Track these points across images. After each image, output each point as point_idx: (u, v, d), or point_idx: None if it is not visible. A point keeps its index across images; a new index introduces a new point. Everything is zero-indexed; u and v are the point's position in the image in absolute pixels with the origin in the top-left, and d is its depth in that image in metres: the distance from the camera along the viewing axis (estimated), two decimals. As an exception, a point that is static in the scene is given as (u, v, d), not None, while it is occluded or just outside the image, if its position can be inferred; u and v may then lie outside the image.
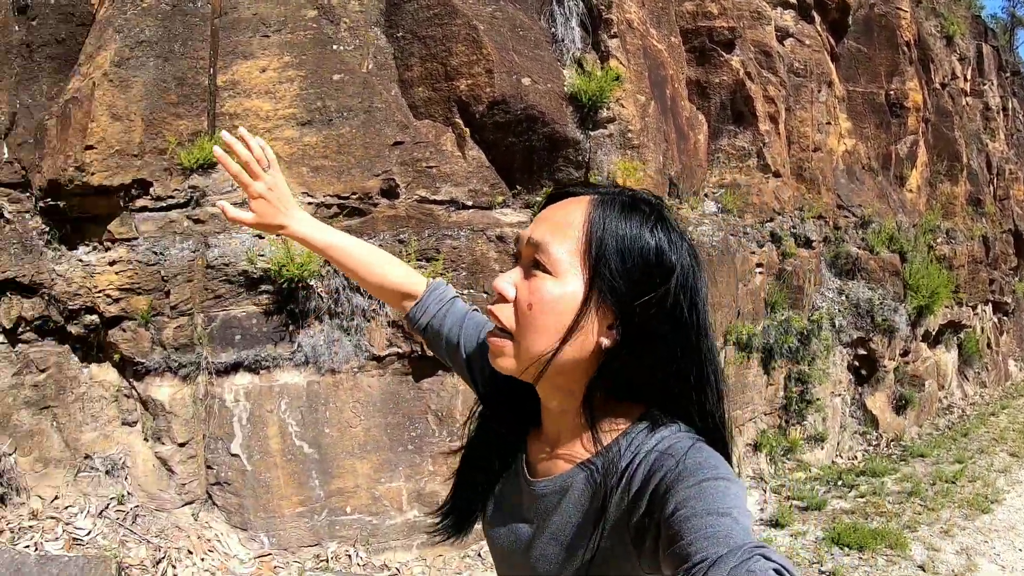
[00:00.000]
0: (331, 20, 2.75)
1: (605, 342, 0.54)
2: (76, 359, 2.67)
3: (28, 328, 2.69)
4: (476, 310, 0.77)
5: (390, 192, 2.69)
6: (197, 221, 2.49)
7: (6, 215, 2.66)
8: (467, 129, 2.80)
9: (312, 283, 2.47)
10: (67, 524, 2.67)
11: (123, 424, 2.67)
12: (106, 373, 2.67)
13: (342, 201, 2.64)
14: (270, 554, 2.44)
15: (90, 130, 2.37)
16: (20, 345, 2.73)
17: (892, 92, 4.51)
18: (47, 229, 2.61)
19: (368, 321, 2.55)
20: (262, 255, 2.45)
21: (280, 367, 2.49)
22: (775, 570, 0.42)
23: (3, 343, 2.75)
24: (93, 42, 2.57)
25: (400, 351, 2.58)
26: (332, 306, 2.51)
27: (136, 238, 2.45)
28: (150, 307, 2.43)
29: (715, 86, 3.58)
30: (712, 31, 3.60)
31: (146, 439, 2.64)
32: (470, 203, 2.78)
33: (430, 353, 2.46)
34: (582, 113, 2.92)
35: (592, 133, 2.92)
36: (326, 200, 2.61)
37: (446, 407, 2.62)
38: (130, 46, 2.51)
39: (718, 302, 3.20)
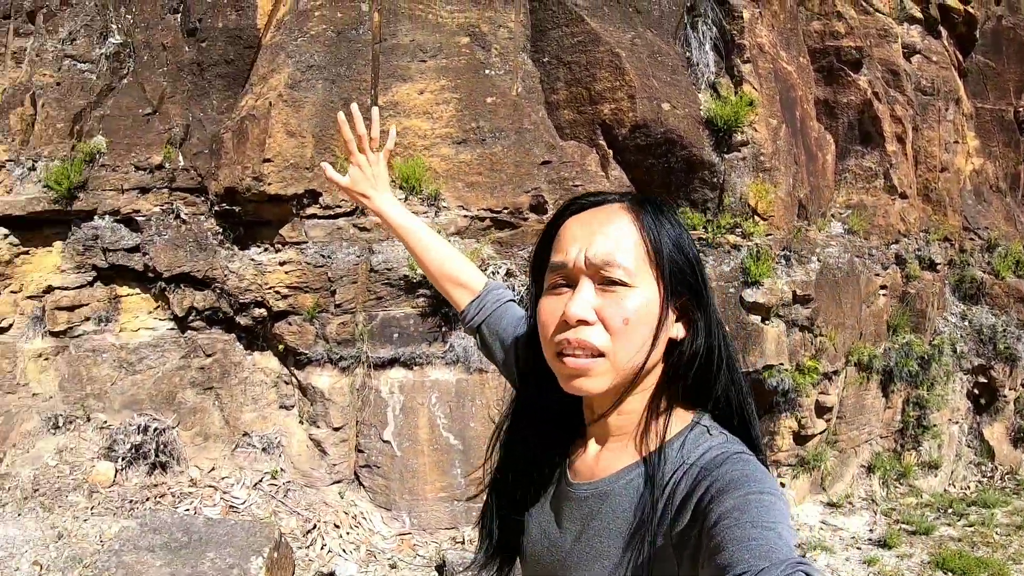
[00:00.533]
0: (483, 47, 3.00)
1: (678, 334, 0.57)
2: (241, 347, 3.04)
3: (198, 317, 3.08)
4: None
5: (539, 208, 2.91)
6: (362, 229, 2.79)
7: (183, 216, 3.06)
8: (610, 151, 2.98)
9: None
10: (224, 493, 3.04)
11: (281, 407, 3.01)
12: (268, 361, 3.02)
13: (494, 215, 2.88)
14: (410, 533, 2.71)
15: (268, 145, 2.71)
16: (189, 332, 3.13)
17: (1022, 109, 4.37)
18: (221, 230, 2.99)
19: (513, 329, 2.78)
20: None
21: (432, 364, 2.76)
22: None
23: (173, 329, 3.17)
24: (265, 65, 2.92)
25: (541, 358, 2.79)
26: (481, 313, 2.76)
27: (306, 242, 2.78)
28: (316, 304, 2.74)
29: (843, 106, 3.62)
30: (839, 50, 3.64)
31: (301, 422, 2.97)
32: (608, 220, 2.96)
33: None
34: (717, 136, 3.04)
35: (726, 156, 3.04)
36: (479, 213, 2.86)
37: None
38: (301, 70, 2.84)
39: (842, 322, 3.24)
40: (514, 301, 0.80)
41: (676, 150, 2.98)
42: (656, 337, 0.55)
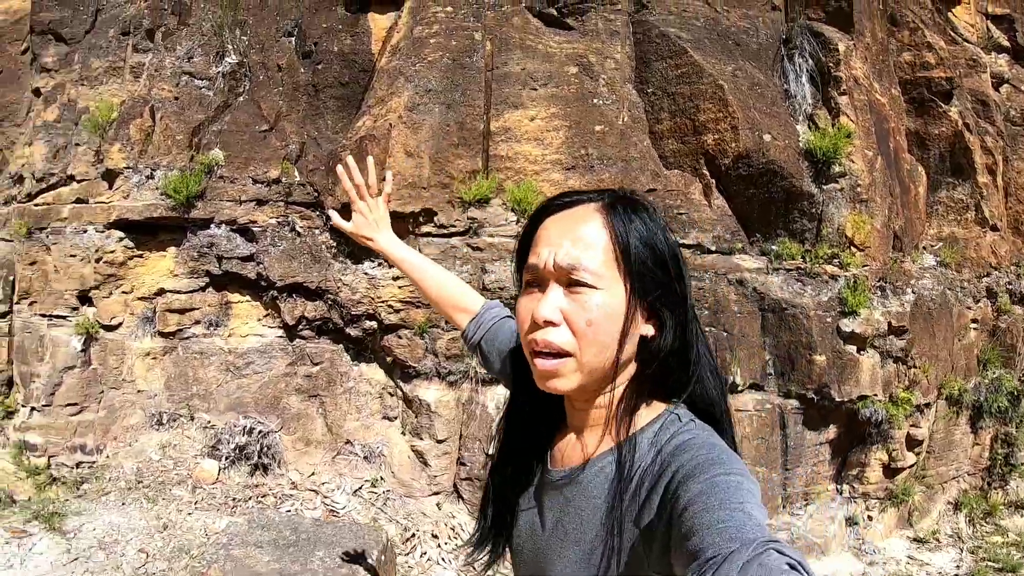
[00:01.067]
0: (591, 76, 3.18)
1: (648, 332, 0.60)
2: (348, 357, 3.23)
3: (307, 326, 3.28)
4: None
5: (640, 234, 3.05)
6: (475, 248, 2.97)
7: (297, 229, 3.28)
8: (712, 180, 3.13)
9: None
10: (325, 497, 3.22)
11: (384, 418, 3.19)
12: (374, 372, 3.21)
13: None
14: (519, 553, 2.85)
15: (387, 164, 2.90)
16: (297, 340, 3.33)
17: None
18: (335, 244, 3.19)
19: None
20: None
21: (537, 386, 2.90)
22: (788, 564, 0.43)
23: (281, 337, 3.37)
24: (383, 88, 3.13)
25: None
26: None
27: None
28: (427, 320, 2.92)
29: (934, 137, 3.72)
30: (930, 81, 3.74)
31: (404, 433, 3.14)
32: (713, 248, 3.10)
33: None
34: (816, 168, 3.17)
35: (824, 187, 3.16)
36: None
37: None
38: (420, 93, 3.05)
39: (935, 355, 3.32)
40: (511, 317, 0.86)
41: (776, 180, 3.11)
42: (624, 336, 0.58)
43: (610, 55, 3.21)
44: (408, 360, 3.00)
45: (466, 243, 2.94)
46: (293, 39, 3.59)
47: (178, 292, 3.43)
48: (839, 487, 3.17)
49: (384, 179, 0.99)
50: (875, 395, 3.01)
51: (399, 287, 2.98)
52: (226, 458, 3.21)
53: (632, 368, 0.61)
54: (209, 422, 3.38)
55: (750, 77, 3.25)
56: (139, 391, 3.54)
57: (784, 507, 3.01)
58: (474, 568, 0.76)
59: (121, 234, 3.48)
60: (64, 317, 3.60)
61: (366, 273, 3.02)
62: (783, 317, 3.02)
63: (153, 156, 3.48)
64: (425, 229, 2.96)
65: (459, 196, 3.01)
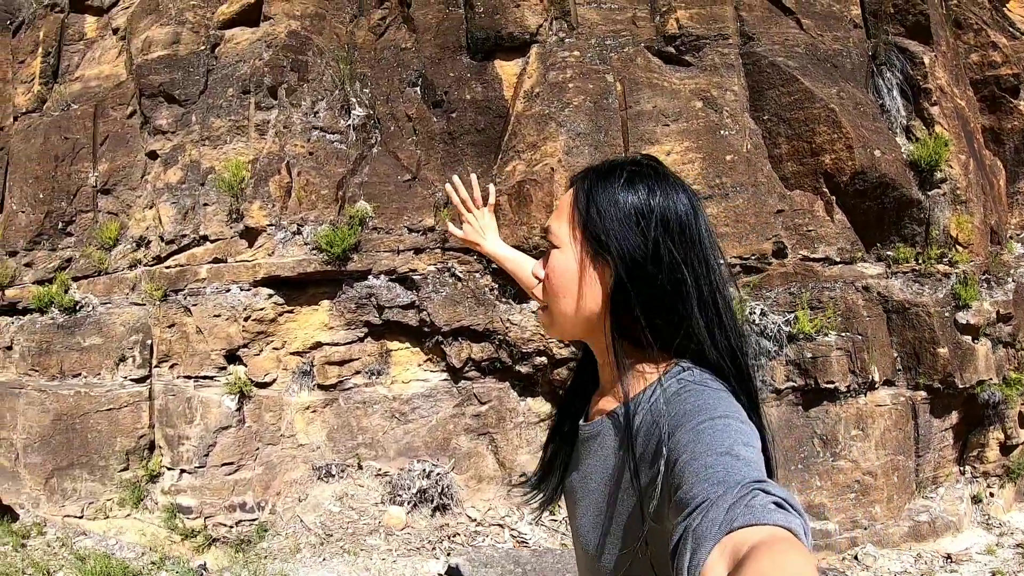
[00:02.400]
0: (715, 109, 3.64)
1: (609, 290, 0.67)
2: (515, 393, 3.67)
3: (473, 367, 3.69)
4: None
5: (779, 253, 3.56)
6: None
7: (458, 274, 3.68)
8: (832, 196, 3.65)
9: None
10: (511, 529, 3.64)
11: None
12: (540, 405, 3.65)
13: (743, 261, 3.53)
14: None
15: (553, 206, 3.32)
16: (463, 381, 3.73)
17: None
18: (497, 286, 3.61)
19: (771, 360, 3.42)
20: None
21: (703, 400, 3.39)
22: (775, 503, 0.46)
23: (446, 379, 3.77)
24: (533, 133, 3.54)
25: (795, 385, 3.45)
26: (743, 350, 3.39)
27: None
28: None
29: (1007, 132, 4.31)
30: (999, 79, 4.32)
31: (577, 458, 3.59)
32: (838, 259, 3.62)
33: (822, 384, 3.27)
34: (920, 176, 3.71)
35: (929, 193, 3.71)
36: (732, 261, 3.51)
37: (830, 432, 3.47)
38: (572, 137, 3.47)
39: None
40: None
41: (889, 192, 3.64)
42: (579, 287, 0.68)
43: (729, 87, 3.68)
44: None
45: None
46: (418, 89, 3.95)
47: (336, 344, 3.77)
48: (961, 468, 3.77)
49: (488, 192, 1.17)
50: (990, 379, 3.59)
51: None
52: (408, 502, 3.55)
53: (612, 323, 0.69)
54: (380, 469, 3.72)
55: (852, 97, 3.76)
56: (300, 445, 3.86)
57: (919, 491, 3.58)
58: (530, 508, 0.89)
59: (269, 291, 3.79)
60: (211, 377, 3.89)
61: (532, 312, 3.45)
62: (906, 316, 3.56)
63: (295, 212, 3.80)
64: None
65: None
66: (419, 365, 3.73)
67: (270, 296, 3.82)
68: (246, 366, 3.93)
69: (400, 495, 3.58)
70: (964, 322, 3.59)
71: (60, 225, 4.63)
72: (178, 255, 4.07)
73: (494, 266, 3.54)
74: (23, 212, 4.71)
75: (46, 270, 4.54)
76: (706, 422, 0.56)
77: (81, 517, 4.38)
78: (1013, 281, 3.83)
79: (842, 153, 3.60)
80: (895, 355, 3.59)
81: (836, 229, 3.65)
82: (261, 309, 3.79)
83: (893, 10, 4.06)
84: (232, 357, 3.90)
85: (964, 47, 4.46)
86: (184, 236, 4.02)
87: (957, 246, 3.71)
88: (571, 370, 0.98)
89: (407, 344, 3.73)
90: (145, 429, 4.11)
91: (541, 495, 0.82)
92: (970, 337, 3.61)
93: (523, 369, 3.57)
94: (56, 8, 5.22)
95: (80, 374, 4.26)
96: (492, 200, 1.18)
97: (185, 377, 3.97)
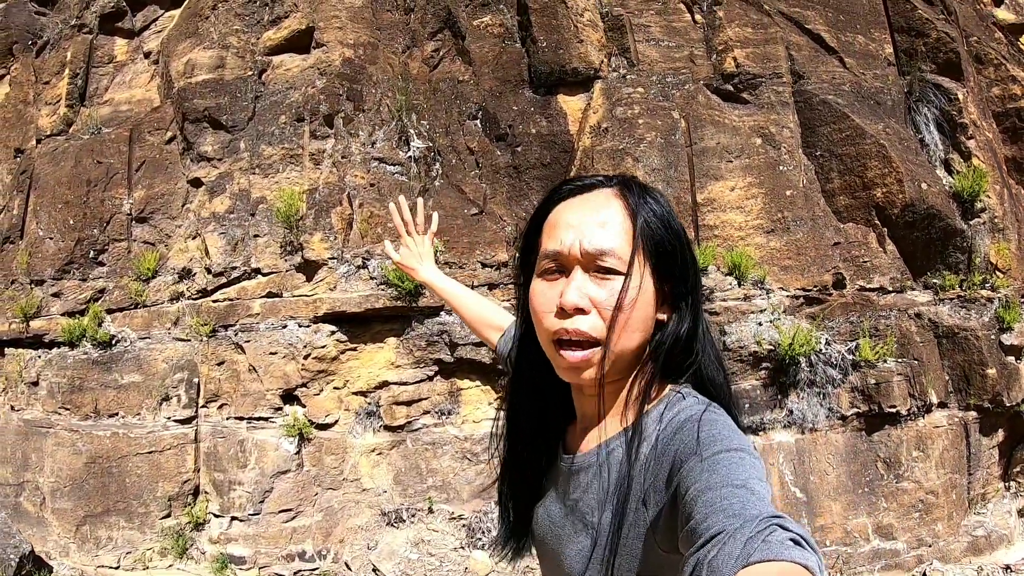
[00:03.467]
0: (773, 146, 3.97)
1: (662, 317, 0.69)
2: None
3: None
4: None
5: (839, 284, 3.89)
6: (711, 313, 3.68)
7: None
8: (884, 228, 4.01)
9: (800, 359, 3.64)
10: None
11: None
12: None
13: (806, 293, 3.84)
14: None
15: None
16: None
17: None
18: None
19: (836, 388, 3.72)
20: (767, 338, 3.63)
21: (774, 428, 3.67)
22: (792, 539, 0.48)
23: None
24: (608, 168, 3.81)
25: (859, 411, 3.75)
26: (811, 376, 3.68)
27: None
28: None
29: (1027, 162, 4.78)
30: (1019, 111, 4.80)
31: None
32: (891, 288, 3.98)
33: (885, 408, 3.58)
34: (962, 207, 4.11)
35: (970, 223, 4.12)
36: (796, 293, 3.81)
37: (892, 454, 3.77)
38: (647, 172, 3.74)
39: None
40: None
41: (935, 223, 4.02)
42: (651, 320, 0.67)
43: (785, 124, 4.02)
44: None
45: (705, 310, 3.64)
46: (478, 122, 4.15)
47: (404, 383, 3.87)
48: (1007, 484, 4.13)
49: (430, 219, 1.22)
50: (1033, 397, 3.96)
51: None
52: (488, 547, 3.60)
53: (643, 352, 0.69)
54: (453, 513, 3.78)
55: (896, 132, 4.15)
56: (364, 489, 3.88)
57: (971, 508, 3.92)
58: (504, 562, 0.84)
59: (332, 327, 3.88)
60: (266, 419, 3.93)
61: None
62: (955, 340, 3.93)
63: (359, 245, 3.93)
64: (666, 301, 3.64)
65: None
66: (490, 403, 3.87)
67: (332, 333, 3.91)
68: (304, 406, 3.97)
69: (479, 539, 3.64)
70: (1008, 343, 3.98)
71: (91, 254, 4.62)
72: (227, 288, 4.13)
73: None
74: (51, 239, 4.68)
75: (77, 301, 4.52)
76: (722, 454, 0.58)
77: (117, 567, 4.31)
78: None
79: (893, 187, 3.96)
80: (946, 378, 3.95)
81: (888, 259, 4.01)
82: (323, 347, 3.87)
83: (925, 48, 4.49)
84: (289, 397, 3.94)
85: (985, 81, 4.94)
86: (234, 268, 4.08)
87: (997, 272, 4.11)
88: (509, 404, 0.84)
89: (478, 382, 3.87)
90: (190, 473, 4.10)
91: (515, 542, 0.81)
92: (1013, 357, 4.00)
93: None
94: (84, 29, 5.25)
95: (117, 413, 4.24)
96: (434, 228, 1.23)
97: (236, 418, 4.00)
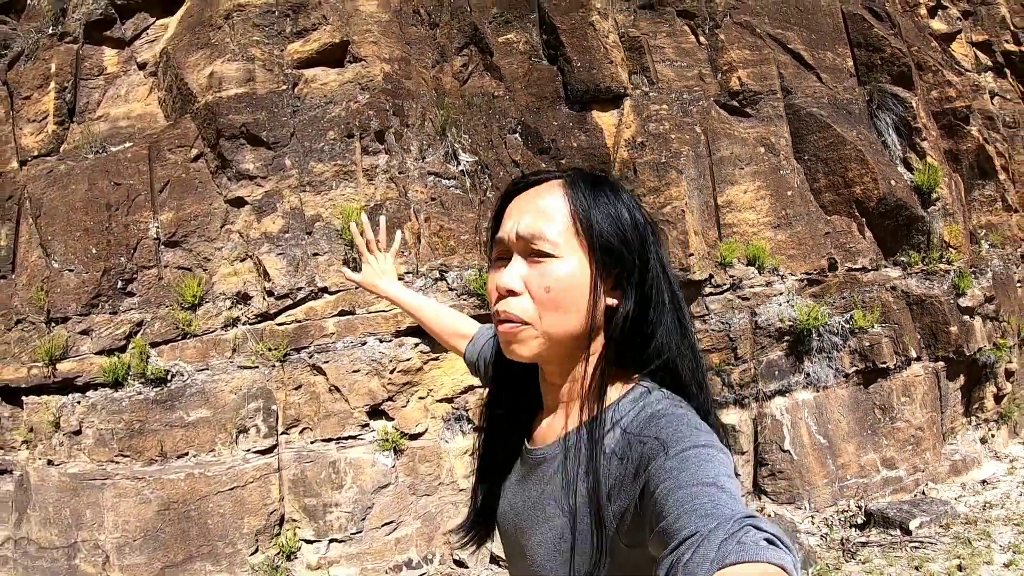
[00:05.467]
0: (774, 153, 5.73)
1: (612, 302, 0.87)
2: None
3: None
4: None
5: (832, 267, 5.71)
6: (743, 298, 5.34)
7: None
8: (863, 219, 5.91)
9: (811, 330, 5.38)
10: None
11: None
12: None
13: (808, 276, 5.62)
14: (812, 515, 5.28)
15: (689, 243, 5.14)
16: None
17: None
18: None
19: (839, 352, 5.51)
20: (787, 316, 5.33)
21: (796, 389, 5.38)
22: (766, 539, 0.58)
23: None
24: (652, 179, 5.35)
25: (858, 368, 5.58)
26: (820, 344, 5.44)
27: (707, 314, 5.24)
28: (721, 360, 5.22)
29: (963, 152, 6.97)
30: (955, 110, 6.97)
31: (701, 452, 5.39)
32: (871, 267, 5.87)
33: (878, 365, 5.48)
34: (922, 198, 6.12)
35: (928, 210, 6.14)
36: (800, 276, 5.57)
37: (886, 401, 5.64)
38: (688, 182, 5.33)
39: (1013, 310, 6.53)
40: None
41: (902, 212, 5.99)
42: (592, 305, 0.86)
43: (781, 135, 5.81)
44: (717, 396, 5.25)
45: (737, 295, 5.29)
46: (518, 135, 5.54)
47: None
48: (968, 419, 6.18)
49: (392, 238, 1.52)
50: (985, 346, 6.04)
51: (698, 338, 5.21)
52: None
53: (601, 341, 0.90)
54: None
55: (866, 137, 6.09)
56: (461, 489, 4.96)
57: (945, 440, 5.89)
58: (465, 548, 1.09)
59: (415, 339, 5.03)
60: (355, 437, 4.95)
61: None
62: (924, 306, 5.90)
63: (431, 258, 5.15)
64: (707, 290, 5.24)
65: (720, 260, 5.33)
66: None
67: (416, 345, 5.05)
68: (392, 419, 5.04)
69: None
70: (964, 305, 6.02)
71: (120, 284, 5.36)
72: (293, 310, 5.16)
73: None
74: (71, 271, 5.33)
75: (114, 337, 5.25)
76: (690, 450, 0.73)
77: (211, 615, 5.06)
78: (990, 270, 6.40)
79: (869, 184, 5.88)
80: (919, 336, 5.91)
81: (867, 244, 5.92)
82: (407, 359, 4.99)
83: (881, 62, 6.52)
84: (375, 412, 4.99)
85: (926, 85, 7.10)
86: (299, 289, 5.13)
87: (950, 248, 6.17)
88: (487, 399, 1.14)
89: (549, 375, 5.23)
90: (276, 504, 4.77)
91: (478, 532, 1.05)
92: (968, 316, 6.05)
93: None
94: (68, 38, 5.94)
95: (187, 453, 4.79)
96: (396, 247, 1.55)
97: (323, 440, 4.87)
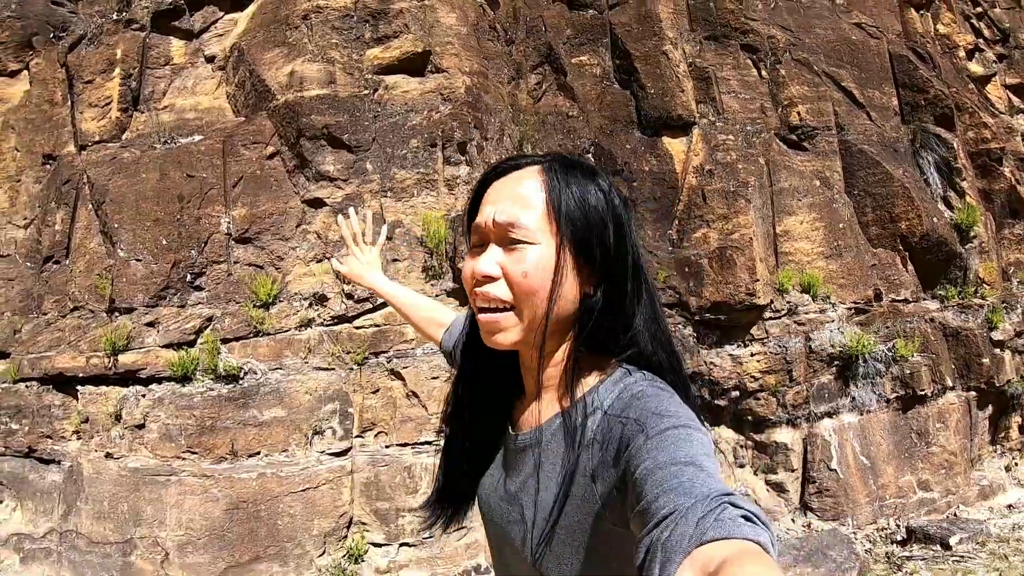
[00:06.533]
0: (828, 187, 6.79)
1: (587, 290, 1.00)
2: (707, 424, 6.31)
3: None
4: None
5: (877, 297, 6.78)
6: (799, 323, 6.34)
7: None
8: (906, 253, 7.00)
9: (858, 356, 6.41)
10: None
11: (738, 466, 6.36)
12: (725, 432, 6.37)
13: (855, 305, 6.67)
14: (854, 533, 6.28)
15: (756, 269, 6.13)
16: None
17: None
18: (695, 335, 6.26)
19: (882, 378, 6.56)
20: (837, 342, 6.35)
21: (843, 412, 6.40)
22: (743, 516, 0.67)
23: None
24: (722, 207, 6.31)
25: (898, 395, 6.63)
26: (866, 370, 6.48)
27: (766, 337, 6.22)
28: (777, 381, 6.20)
29: (996, 191, 8.18)
30: (989, 151, 8.18)
31: (755, 472, 6.36)
32: (911, 299, 6.96)
33: (917, 392, 6.59)
34: (961, 235, 7.27)
35: (966, 247, 7.28)
36: (849, 305, 6.60)
37: (922, 427, 6.70)
38: (754, 211, 6.30)
39: (1027, 351, 7.72)
40: None
41: (942, 248, 7.13)
42: (554, 288, 0.98)
43: (835, 169, 6.88)
44: (766, 415, 6.23)
45: (793, 320, 6.29)
46: (591, 156, 6.46)
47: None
48: (994, 447, 7.33)
49: (378, 231, 1.83)
50: (1014, 378, 7.20)
51: (756, 361, 6.19)
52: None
53: (575, 328, 1.03)
54: None
55: (911, 175, 7.22)
56: None
57: (972, 466, 7.01)
58: (431, 529, 1.23)
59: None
60: (430, 443, 5.70)
61: (730, 354, 6.17)
62: (959, 338, 7.03)
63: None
64: (767, 315, 6.22)
65: (779, 287, 6.33)
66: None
67: None
68: None
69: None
70: (996, 339, 7.17)
71: (188, 278, 6.02)
72: (372, 314, 5.92)
73: (697, 316, 6.18)
74: (139, 260, 5.95)
75: (182, 331, 5.89)
76: (669, 430, 0.84)
77: (273, 616, 5.46)
78: (1020, 306, 7.61)
79: (914, 220, 6.98)
80: (954, 367, 7.01)
81: (909, 277, 7.03)
82: (483, 365, 5.77)
83: (924, 103, 7.69)
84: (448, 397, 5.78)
85: (962, 126, 8.32)
86: (380, 293, 5.89)
87: (984, 284, 7.32)
88: (455, 382, 1.28)
89: (610, 384, 6.14)
90: (346, 506, 5.29)
91: (445, 512, 1.23)
92: (999, 349, 7.19)
93: (720, 402, 6.25)
94: (134, 25, 6.59)
95: (258, 453, 5.29)
96: (382, 240, 1.86)
97: (399, 445, 5.62)
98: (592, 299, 1.02)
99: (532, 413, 1.09)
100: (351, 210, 1.91)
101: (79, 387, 6.00)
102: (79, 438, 6.03)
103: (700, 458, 0.78)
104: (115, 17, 6.71)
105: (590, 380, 1.03)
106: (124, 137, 6.55)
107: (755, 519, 0.70)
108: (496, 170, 1.09)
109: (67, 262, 6.52)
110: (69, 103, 6.82)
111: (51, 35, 6.77)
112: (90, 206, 6.46)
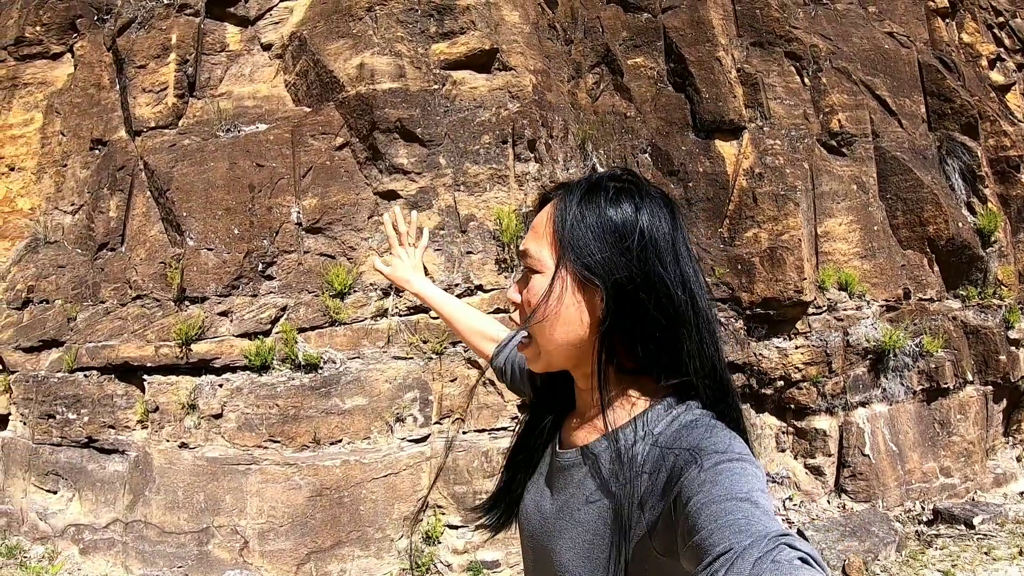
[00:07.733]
0: (864, 191, 8.31)
1: (599, 315, 1.11)
2: (753, 412, 7.77)
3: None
4: None
5: (906, 296, 8.35)
6: (838, 319, 7.84)
7: (720, 320, 7.64)
8: (932, 255, 8.60)
9: (889, 351, 7.97)
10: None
11: (779, 451, 7.85)
12: (768, 419, 7.84)
13: (887, 303, 8.22)
14: (886, 512, 7.85)
15: (804, 268, 7.60)
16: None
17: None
18: (746, 328, 7.70)
19: (909, 371, 8.13)
20: (871, 337, 7.89)
21: (874, 402, 7.95)
22: (800, 558, 0.73)
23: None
24: (772, 208, 7.74)
25: (924, 387, 8.21)
26: (895, 364, 8.05)
27: (808, 331, 7.70)
28: (818, 373, 7.70)
29: (1013, 197, 9.86)
30: (1008, 159, 9.87)
31: (795, 457, 7.86)
32: (936, 299, 8.57)
33: (940, 385, 8.31)
34: (982, 239, 8.92)
35: (986, 251, 8.93)
36: (881, 302, 8.14)
37: (944, 418, 8.31)
38: (801, 213, 7.76)
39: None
40: None
41: (966, 251, 8.76)
42: (539, 313, 1.16)
43: (870, 175, 8.42)
44: (808, 403, 7.70)
45: (834, 316, 7.79)
46: (647, 156, 7.81)
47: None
48: (1006, 439, 9.04)
49: (421, 232, 2.03)
50: (1027, 376, 8.92)
51: (800, 353, 7.65)
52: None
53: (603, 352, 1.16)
54: None
55: (939, 181, 8.83)
56: None
57: (987, 456, 8.70)
58: (480, 531, 1.42)
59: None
60: (506, 428, 6.89)
61: (777, 347, 7.62)
62: (978, 336, 8.68)
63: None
64: (810, 310, 7.70)
65: (817, 284, 7.82)
66: (675, 391, 7.57)
67: None
68: None
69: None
70: (1012, 337, 8.83)
71: (260, 267, 7.05)
72: (443, 303, 7.09)
73: (748, 311, 7.62)
74: (210, 250, 6.88)
75: (257, 321, 6.90)
76: (724, 464, 0.92)
77: (354, 599, 6.57)
78: None
79: (941, 225, 8.57)
80: (973, 362, 8.66)
81: (935, 277, 8.62)
82: (553, 354, 7.02)
83: (950, 111, 9.31)
84: (526, 406, 6.97)
85: (984, 134, 10.01)
86: (456, 285, 7.08)
87: (1003, 286, 8.99)
88: (540, 391, 1.45)
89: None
90: (424, 491, 6.12)
91: (496, 518, 1.45)
92: (1015, 347, 8.88)
93: (766, 391, 7.67)
94: (188, 11, 7.53)
95: (340, 440, 6.12)
96: (425, 242, 2.08)
97: (476, 431, 6.65)
98: (600, 322, 1.14)
99: (580, 431, 1.26)
100: (396, 209, 2.11)
101: (146, 377, 6.80)
102: (145, 428, 6.79)
103: (756, 494, 0.88)
104: (166, 1, 7.64)
105: (639, 404, 1.17)
106: (181, 124, 7.49)
107: (812, 561, 0.78)
108: (545, 198, 1.29)
109: (123, 249, 7.43)
110: (119, 88, 7.70)
111: (95, 18, 7.60)
112: (148, 193, 7.42)
